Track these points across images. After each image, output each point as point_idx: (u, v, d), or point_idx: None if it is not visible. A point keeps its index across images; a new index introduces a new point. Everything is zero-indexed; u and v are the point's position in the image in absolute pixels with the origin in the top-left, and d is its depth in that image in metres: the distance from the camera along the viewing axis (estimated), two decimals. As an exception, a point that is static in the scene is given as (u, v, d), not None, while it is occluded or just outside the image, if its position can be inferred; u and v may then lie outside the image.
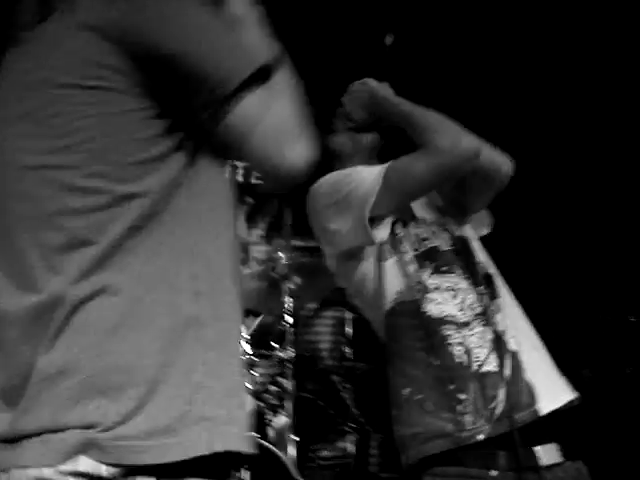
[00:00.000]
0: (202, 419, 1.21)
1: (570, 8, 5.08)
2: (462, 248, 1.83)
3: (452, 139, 1.73)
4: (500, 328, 1.75)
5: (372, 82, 1.91)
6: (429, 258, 1.73)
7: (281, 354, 3.93)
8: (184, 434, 1.18)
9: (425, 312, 1.67)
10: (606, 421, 5.32)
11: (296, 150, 1.32)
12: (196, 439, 1.19)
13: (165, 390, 1.19)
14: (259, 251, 5.80)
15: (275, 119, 1.29)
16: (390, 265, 1.72)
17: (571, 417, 1.85)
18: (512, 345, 1.74)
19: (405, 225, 1.74)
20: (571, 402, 1.72)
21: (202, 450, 1.19)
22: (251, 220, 5.97)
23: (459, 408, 1.59)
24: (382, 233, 1.71)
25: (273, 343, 4.05)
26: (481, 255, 1.91)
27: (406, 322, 1.68)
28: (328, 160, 1.87)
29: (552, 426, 1.68)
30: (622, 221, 6.04)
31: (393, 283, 1.70)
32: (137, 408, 1.16)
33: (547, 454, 1.66)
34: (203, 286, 1.28)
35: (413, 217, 1.77)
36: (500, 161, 1.96)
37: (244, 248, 5.91)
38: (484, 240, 2.22)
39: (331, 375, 6.00)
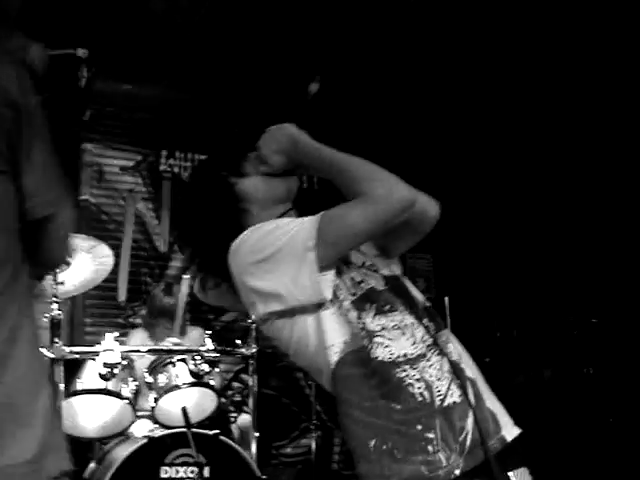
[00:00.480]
0: None
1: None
2: (397, 285, 1.81)
3: (389, 188, 1.68)
4: (454, 357, 1.74)
5: (291, 127, 1.86)
6: (369, 300, 1.70)
7: (244, 350, 3.91)
8: None
9: (376, 357, 1.63)
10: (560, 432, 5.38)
11: None
12: None
13: None
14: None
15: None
16: (329, 315, 1.68)
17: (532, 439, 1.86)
18: (469, 373, 1.74)
19: (339, 272, 1.70)
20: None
21: None
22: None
23: (430, 448, 1.57)
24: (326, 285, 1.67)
25: (237, 340, 4.03)
26: (414, 290, 1.90)
27: (358, 372, 1.63)
28: (236, 204, 1.81)
29: (519, 450, 1.69)
30: (586, 226, 6.11)
31: (336, 333, 1.66)
32: None
33: (520, 478, 1.67)
34: None
35: (346, 262, 1.73)
36: (430, 207, 1.95)
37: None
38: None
39: (295, 372, 6.00)
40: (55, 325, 3.32)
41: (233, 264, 1.70)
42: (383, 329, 1.65)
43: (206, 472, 3.30)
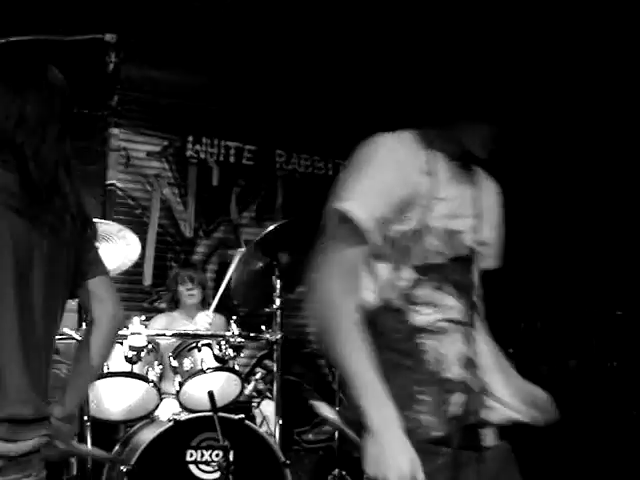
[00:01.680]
0: None
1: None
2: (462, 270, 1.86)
3: None
4: (474, 348, 1.79)
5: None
6: (427, 272, 1.74)
7: (269, 336, 3.92)
8: None
9: (407, 320, 1.69)
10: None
11: None
12: None
13: None
14: (249, 233, 5.79)
15: None
16: (383, 268, 1.73)
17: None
18: (481, 363, 1.79)
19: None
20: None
21: None
22: (242, 202, 5.96)
23: (417, 407, 1.65)
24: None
25: (262, 326, 4.04)
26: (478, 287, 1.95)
27: (389, 324, 1.70)
28: None
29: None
30: (610, 220, 6.07)
31: (384, 285, 1.71)
32: None
33: (489, 436, 1.75)
34: None
35: None
36: None
37: (234, 230, 5.91)
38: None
39: (317, 359, 6.02)
40: (82, 309, 3.36)
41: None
42: (424, 303, 1.71)
43: (231, 456, 3.32)
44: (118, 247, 3.70)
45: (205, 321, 4.32)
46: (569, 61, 5.43)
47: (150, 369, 3.63)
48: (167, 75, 5.75)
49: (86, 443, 3.28)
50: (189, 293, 4.72)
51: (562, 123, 6.17)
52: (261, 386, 4.51)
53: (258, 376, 4.44)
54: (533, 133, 6.29)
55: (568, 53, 5.38)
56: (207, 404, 3.48)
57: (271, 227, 3.95)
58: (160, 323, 4.66)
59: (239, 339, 3.76)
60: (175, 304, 4.87)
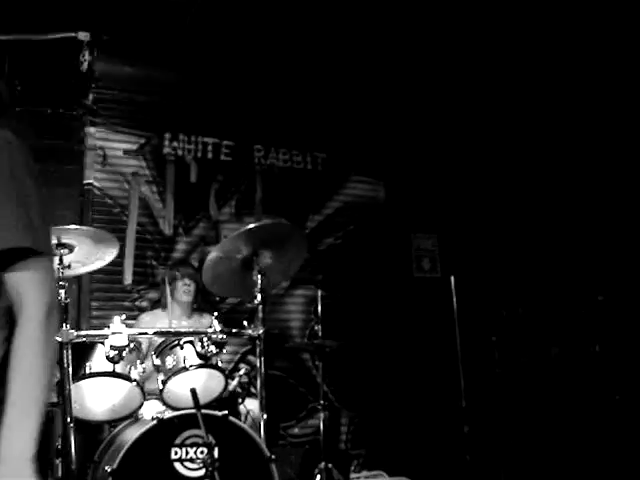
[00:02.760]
0: None
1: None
2: None
3: None
4: None
5: None
6: None
7: (251, 332, 3.91)
8: None
9: None
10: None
11: None
12: None
13: None
14: (229, 229, 5.77)
15: None
16: None
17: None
18: None
19: None
20: None
21: None
22: (221, 198, 5.94)
23: None
24: None
25: (244, 322, 4.03)
26: None
27: None
28: None
29: None
30: (592, 204, 6.11)
31: None
32: None
33: None
34: None
35: None
36: None
37: (214, 226, 5.89)
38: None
39: (301, 353, 6.02)
40: (62, 309, 3.33)
41: None
42: None
43: (216, 453, 3.31)
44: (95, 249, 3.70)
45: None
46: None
47: (132, 368, 3.61)
48: (142, 72, 5.71)
49: (70, 444, 3.26)
50: (186, 289, 4.72)
51: (543, 115, 6.21)
52: (245, 380, 4.51)
53: (242, 372, 4.43)
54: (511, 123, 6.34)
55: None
56: (191, 402, 3.47)
57: (255, 224, 3.94)
58: (145, 322, 4.65)
59: (221, 335, 3.75)
60: (160, 303, 4.87)
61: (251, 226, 3.88)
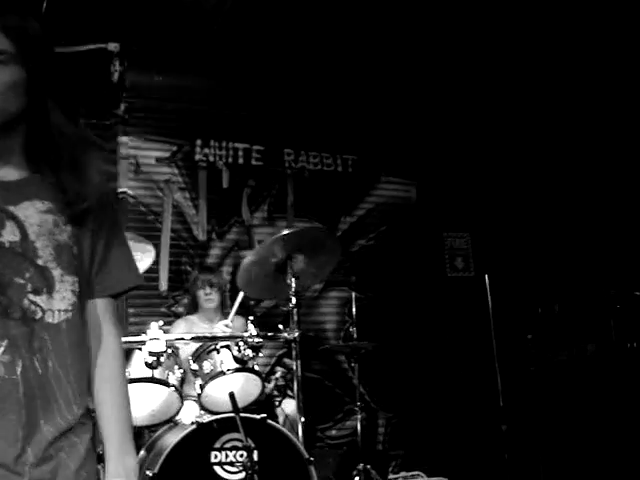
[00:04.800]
0: None
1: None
2: None
3: None
4: None
5: None
6: None
7: (287, 335, 3.94)
8: None
9: None
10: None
11: None
12: None
13: None
14: (262, 233, 5.81)
15: None
16: None
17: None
18: None
19: None
20: None
21: None
22: (253, 203, 5.98)
23: None
24: None
25: (279, 325, 4.06)
26: None
27: None
28: None
29: None
30: (626, 201, 6.06)
31: None
32: None
33: None
34: None
35: None
36: None
37: (247, 231, 5.93)
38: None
39: (337, 355, 6.03)
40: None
41: None
42: None
43: (255, 456, 3.34)
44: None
45: (225, 330, 4.38)
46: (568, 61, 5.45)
47: (170, 373, 3.65)
48: (172, 80, 5.77)
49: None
50: (207, 298, 4.76)
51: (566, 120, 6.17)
52: (281, 383, 4.53)
53: (278, 374, 4.46)
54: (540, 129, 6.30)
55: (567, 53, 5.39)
56: (229, 405, 3.50)
57: (290, 230, 3.98)
58: (180, 328, 4.70)
59: (257, 339, 3.78)
60: (194, 308, 4.91)
61: (286, 232, 3.92)
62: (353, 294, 5.29)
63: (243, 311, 5.02)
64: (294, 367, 3.89)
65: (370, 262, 6.21)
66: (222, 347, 3.77)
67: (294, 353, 3.88)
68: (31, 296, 1.52)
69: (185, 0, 5.09)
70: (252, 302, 5.56)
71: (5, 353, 1.47)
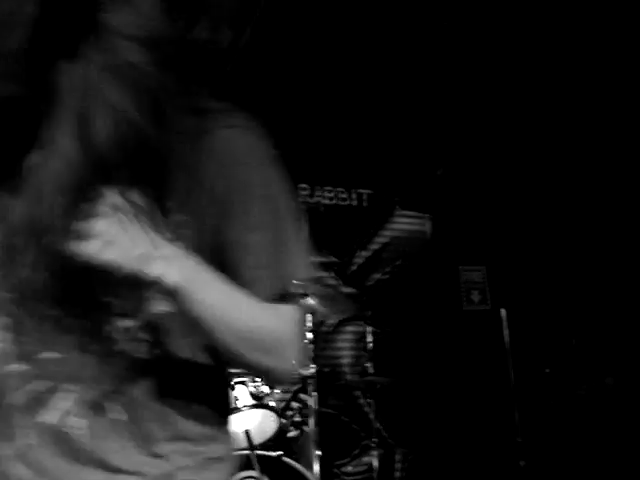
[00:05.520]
0: None
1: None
2: None
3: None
4: None
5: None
6: None
7: (302, 371, 3.94)
8: None
9: None
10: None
11: None
12: None
13: None
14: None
15: None
16: None
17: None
18: None
19: None
20: None
21: None
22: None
23: None
24: None
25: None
26: None
27: None
28: None
29: None
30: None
31: None
32: None
33: None
34: None
35: None
36: None
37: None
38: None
39: (353, 390, 6.00)
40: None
41: None
42: None
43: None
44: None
45: None
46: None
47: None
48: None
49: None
50: None
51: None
52: (298, 420, 4.53)
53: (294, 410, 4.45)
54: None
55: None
56: (244, 441, 3.49)
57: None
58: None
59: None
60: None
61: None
62: (369, 328, 5.28)
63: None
64: (310, 403, 3.88)
65: (386, 296, 6.21)
66: (237, 383, 3.78)
67: (310, 389, 3.88)
68: None
69: (201, 39, 5.15)
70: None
71: None
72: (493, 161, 6.59)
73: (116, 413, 1.27)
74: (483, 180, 6.60)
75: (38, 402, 1.27)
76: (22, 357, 1.28)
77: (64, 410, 1.27)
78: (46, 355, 1.27)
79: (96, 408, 1.26)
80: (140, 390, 1.28)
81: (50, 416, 1.27)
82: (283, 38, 5.18)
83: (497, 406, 5.76)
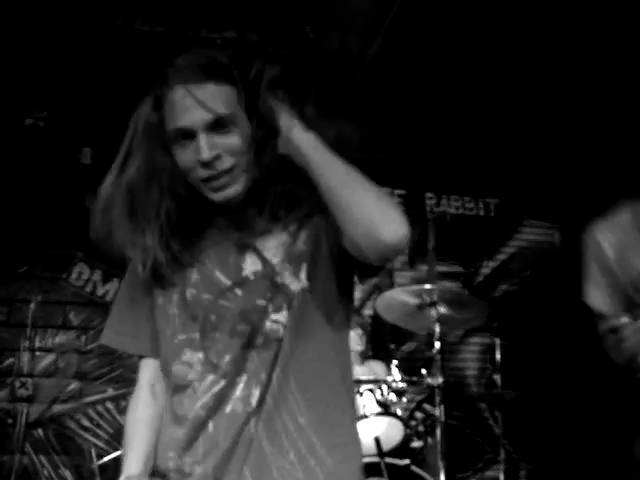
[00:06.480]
0: None
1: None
2: None
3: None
4: None
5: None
6: None
7: (430, 380, 3.91)
8: None
9: None
10: None
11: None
12: None
13: None
14: (403, 277, 5.81)
15: None
16: None
17: None
18: None
19: None
20: None
21: None
22: (395, 246, 5.97)
23: None
24: None
25: (422, 370, 4.04)
26: None
27: None
28: None
29: None
30: None
31: None
32: None
33: None
34: None
35: None
36: None
37: (389, 274, 5.93)
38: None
39: (478, 402, 5.91)
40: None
41: None
42: None
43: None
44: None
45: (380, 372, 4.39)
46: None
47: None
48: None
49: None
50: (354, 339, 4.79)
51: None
52: (422, 430, 4.49)
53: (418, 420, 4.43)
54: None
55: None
56: (370, 449, 3.49)
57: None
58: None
59: (401, 384, 3.77)
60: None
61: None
62: (496, 340, 5.18)
63: (383, 354, 5.03)
64: (436, 413, 3.85)
65: (513, 307, 6.08)
66: (365, 390, 3.79)
67: (437, 400, 3.85)
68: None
69: (331, 48, 5.21)
70: (392, 346, 5.55)
71: None
72: (626, 174, 6.36)
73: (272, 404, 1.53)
74: (613, 189, 6.37)
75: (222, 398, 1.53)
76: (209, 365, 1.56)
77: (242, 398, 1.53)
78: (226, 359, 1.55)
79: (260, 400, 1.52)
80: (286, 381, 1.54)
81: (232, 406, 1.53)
82: (413, 47, 5.18)
83: (633, 423, 5.53)
